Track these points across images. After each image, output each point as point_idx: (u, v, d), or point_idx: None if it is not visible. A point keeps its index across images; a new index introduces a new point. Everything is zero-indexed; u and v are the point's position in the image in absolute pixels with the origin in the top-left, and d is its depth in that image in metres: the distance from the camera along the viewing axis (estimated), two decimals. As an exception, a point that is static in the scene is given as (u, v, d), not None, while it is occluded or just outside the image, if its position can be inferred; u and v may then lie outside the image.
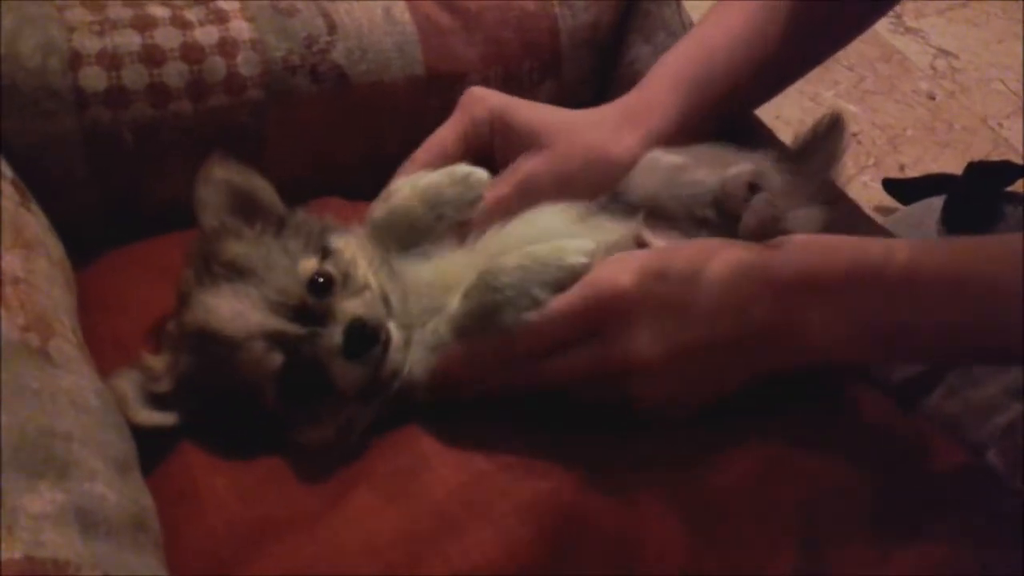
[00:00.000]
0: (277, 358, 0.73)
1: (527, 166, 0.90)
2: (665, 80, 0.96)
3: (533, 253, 0.76)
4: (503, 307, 0.75)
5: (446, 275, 0.81)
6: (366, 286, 0.77)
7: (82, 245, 0.89)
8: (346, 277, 0.77)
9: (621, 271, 0.75)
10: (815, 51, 1.04)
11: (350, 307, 0.75)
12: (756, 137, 1.04)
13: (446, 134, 0.95)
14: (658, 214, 0.84)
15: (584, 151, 0.90)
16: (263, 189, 0.82)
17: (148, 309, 0.86)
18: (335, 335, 0.73)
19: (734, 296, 0.74)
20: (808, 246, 0.77)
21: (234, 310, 0.73)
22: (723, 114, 0.99)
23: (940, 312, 0.72)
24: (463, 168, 0.86)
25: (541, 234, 0.81)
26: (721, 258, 0.76)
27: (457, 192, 0.85)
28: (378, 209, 0.86)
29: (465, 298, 0.76)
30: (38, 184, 0.85)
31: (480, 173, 0.86)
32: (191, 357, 0.75)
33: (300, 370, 0.73)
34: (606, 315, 0.74)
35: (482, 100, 0.95)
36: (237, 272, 0.74)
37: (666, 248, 0.79)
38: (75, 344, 0.72)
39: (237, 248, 0.76)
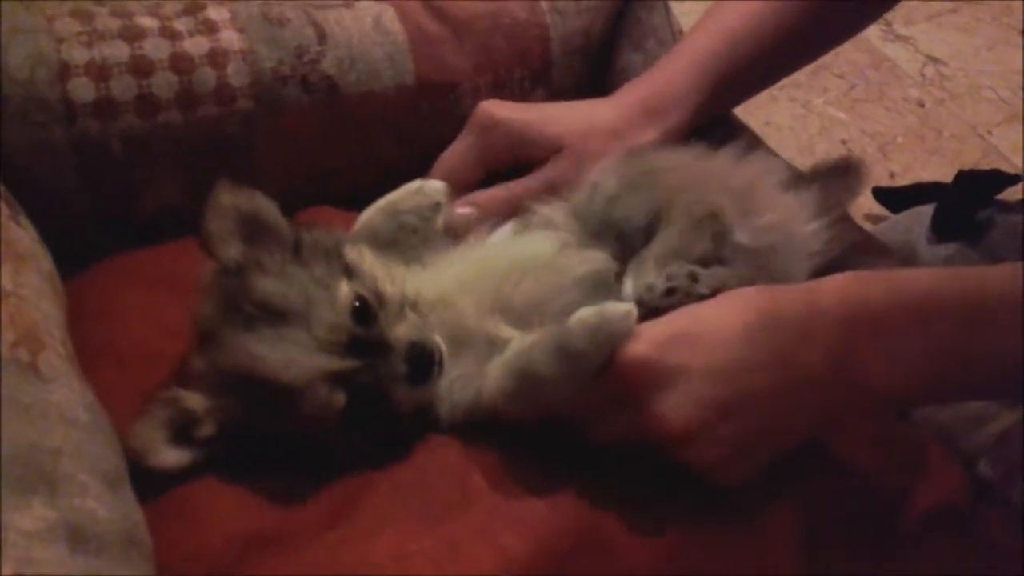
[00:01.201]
0: (340, 397, 0.72)
1: (555, 171, 0.93)
2: (688, 67, 0.97)
3: (568, 344, 0.71)
4: (544, 393, 0.73)
5: (446, 294, 0.81)
6: (402, 303, 0.77)
7: (73, 255, 0.89)
8: (379, 297, 0.76)
9: (636, 341, 0.72)
10: (832, 33, 1.05)
11: (403, 333, 0.75)
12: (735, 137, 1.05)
13: (460, 159, 0.96)
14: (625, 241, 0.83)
15: (607, 154, 0.91)
16: (269, 210, 0.79)
17: (141, 319, 0.86)
18: (397, 364, 0.73)
19: (774, 345, 0.71)
20: (852, 280, 0.73)
21: (286, 358, 0.71)
22: (741, 98, 1.02)
23: (1002, 341, 0.68)
24: (416, 182, 0.88)
25: (532, 260, 0.81)
26: (751, 309, 0.72)
27: (415, 202, 0.86)
28: (348, 236, 0.87)
29: (509, 379, 0.74)
30: (28, 195, 0.85)
31: (434, 183, 0.88)
32: (239, 403, 0.73)
33: (363, 402, 0.73)
34: (627, 386, 0.72)
35: (500, 125, 0.96)
36: (275, 314, 0.72)
37: (684, 310, 0.74)
38: (65, 357, 0.71)
39: (267, 285, 0.74)
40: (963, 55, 2.08)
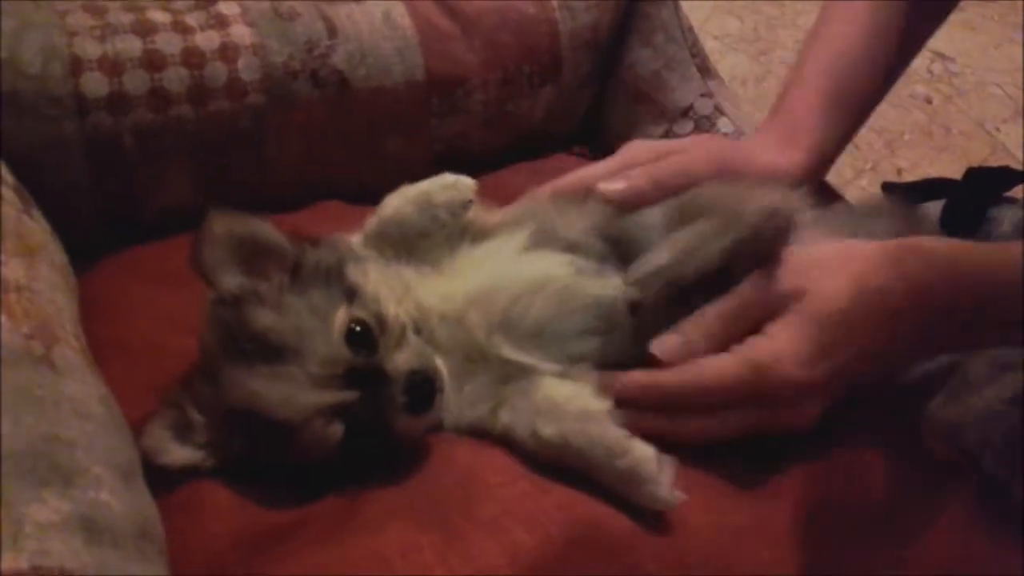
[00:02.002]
0: (338, 429, 0.72)
1: (686, 158, 0.92)
2: (810, 100, 0.99)
3: (625, 462, 0.72)
4: (594, 468, 0.73)
5: (456, 307, 0.80)
6: (403, 328, 0.76)
7: (84, 250, 0.90)
8: (380, 321, 0.75)
9: (787, 360, 0.74)
10: (922, 40, 1.11)
11: (402, 362, 0.73)
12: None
13: (601, 173, 0.93)
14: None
15: (752, 166, 0.93)
16: (266, 231, 0.77)
17: (148, 314, 0.87)
18: (397, 394, 0.72)
19: (908, 328, 0.77)
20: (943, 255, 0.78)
21: (282, 395, 0.70)
22: (864, 114, 1.04)
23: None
24: (450, 176, 0.85)
25: (540, 279, 0.81)
26: (879, 302, 0.76)
27: (448, 196, 0.84)
28: (370, 223, 0.85)
29: (558, 440, 0.74)
30: (40, 190, 0.85)
31: (466, 179, 0.85)
32: (239, 436, 0.73)
33: (362, 431, 0.72)
34: (770, 396, 0.75)
35: (640, 143, 0.96)
36: (271, 350, 0.71)
37: (814, 315, 0.76)
38: (78, 350, 0.72)
39: (263, 319, 0.73)
40: (970, 52, 2.08)
